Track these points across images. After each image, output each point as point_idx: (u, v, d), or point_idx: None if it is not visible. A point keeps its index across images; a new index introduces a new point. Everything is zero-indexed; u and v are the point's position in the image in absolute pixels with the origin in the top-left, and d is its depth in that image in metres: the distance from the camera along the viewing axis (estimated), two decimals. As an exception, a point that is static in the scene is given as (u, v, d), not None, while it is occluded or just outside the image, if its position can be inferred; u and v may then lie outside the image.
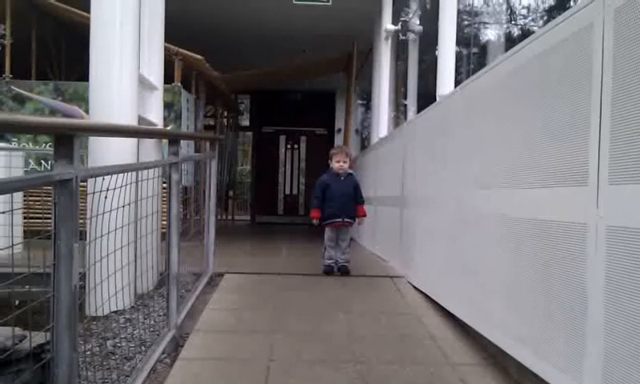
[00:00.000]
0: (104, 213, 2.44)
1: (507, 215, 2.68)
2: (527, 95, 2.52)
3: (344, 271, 5.06)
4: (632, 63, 1.71)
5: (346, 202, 5.13)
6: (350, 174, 5.26)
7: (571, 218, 2.05)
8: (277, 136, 12.99)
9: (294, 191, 13.13)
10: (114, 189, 2.49)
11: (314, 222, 5.13)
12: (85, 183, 2.95)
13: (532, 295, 2.34)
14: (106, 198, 2.46)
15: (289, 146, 13.04)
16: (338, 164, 5.15)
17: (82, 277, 3.49)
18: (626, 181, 1.73)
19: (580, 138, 1.98)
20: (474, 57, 8.15)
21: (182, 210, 5.83)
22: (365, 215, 5.32)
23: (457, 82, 5.08)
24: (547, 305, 2.20)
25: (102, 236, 2.50)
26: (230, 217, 11.77)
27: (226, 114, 11.35)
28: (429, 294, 4.09)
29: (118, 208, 2.55)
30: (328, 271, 5.10)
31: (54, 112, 6.37)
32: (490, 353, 2.95)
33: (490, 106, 3.04)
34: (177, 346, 3.09)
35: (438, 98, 4.87)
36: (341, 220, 5.08)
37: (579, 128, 1.99)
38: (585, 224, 1.94)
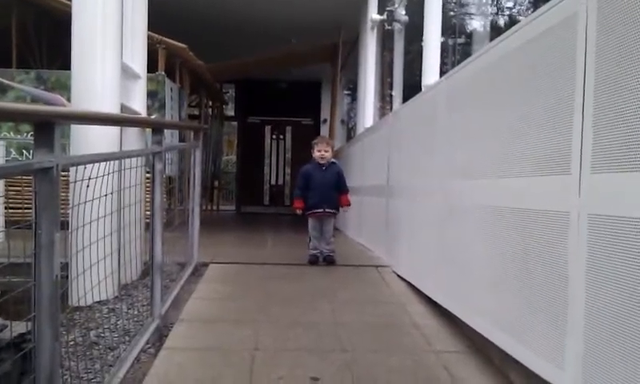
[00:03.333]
0: (86, 202, 2.42)
1: (491, 205, 2.69)
2: (511, 85, 2.53)
3: (329, 261, 5.06)
4: (614, 53, 1.72)
5: (327, 192, 5.11)
6: (333, 163, 5.24)
7: (554, 207, 2.06)
8: (262, 126, 12.95)
9: (280, 181, 13.12)
10: (96, 178, 2.46)
11: (297, 211, 5.16)
12: (67, 172, 2.92)
13: (515, 283, 2.36)
14: (87, 187, 2.43)
15: (274, 137, 13.02)
16: (319, 153, 5.14)
17: (65, 267, 3.46)
18: (608, 169, 1.74)
19: (563, 128, 2.00)
20: (459, 47, 8.17)
21: (166, 200, 5.80)
22: (349, 204, 5.29)
23: (442, 73, 5.09)
24: (530, 292, 2.22)
25: (84, 225, 2.47)
26: (215, 207, 11.70)
27: (210, 103, 11.27)
28: (413, 283, 4.12)
29: (100, 197, 2.53)
30: (313, 261, 5.09)
31: (35, 101, 6.28)
32: (474, 341, 2.98)
33: (475, 96, 3.05)
34: (161, 335, 3.08)
35: (423, 88, 4.88)
36: (322, 210, 5.08)
37: (562, 117, 2.01)
38: (567, 212, 1.95)
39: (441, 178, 3.52)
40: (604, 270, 1.74)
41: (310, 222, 5.16)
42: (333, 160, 5.23)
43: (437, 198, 3.57)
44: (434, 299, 3.56)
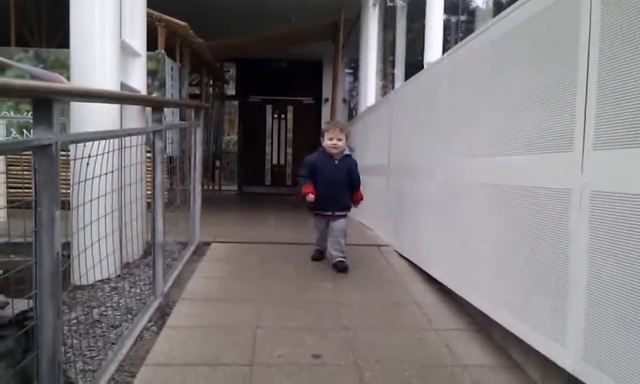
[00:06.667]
0: (86, 180, 2.41)
1: (493, 183, 2.68)
2: (513, 62, 2.50)
3: (340, 268, 4.02)
4: (619, 27, 1.70)
5: (338, 192, 4.16)
6: (347, 155, 4.22)
7: (556, 184, 2.05)
8: (263, 105, 12.87)
9: (282, 161, 13.07)
10: (96, 155, 2.45)
11: (309, 197, 4.07)
12: (68, 151, 2.91)
13: (517, 261, 2.36)
14: (87, 165, 2.42)
15: (275, 116, 12.94)
16: (331, 142, 4.13)
17: (66, 246, 3.47)
18: (611, 146, 1.73)
19: (566, 104, 1.98)
20: (462, 24, 8.09)
21: (167, 179, 5.79)
22: (361, 199, 4.37)
23: (444, 50, 5.03)
24: (532, 270, 2.22)
25: (84, 203, 2.47)
26: (216, 187, 11.69)
27: (211, 82, 11.19)
28: (415, 262, 4.12)
29: (100, 175, 2.52)
30: (316, 257, 4.40)
31: (34, 79, 6.24)
32: (475, 319, 2.99)
33: (477, 74, 3.02)
34: (163, 314, 3.09)
35: (425, 66, 4.83)
36: (330, 213, 4.17)
37: (565, 94, 1.98)
38: (569, 189, 1.94)
39: (443, 156, 3.50)
40: (606, 247, 1.73)
41: (314, 221, 4.35)
42: (347, 151, 4.22)
43: (438, 176, 3.55)
44: (436, 278, 3.57)
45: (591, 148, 1.83)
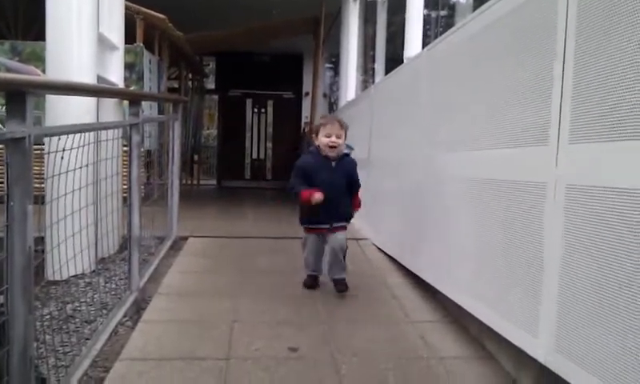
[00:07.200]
0: (60, 174, 2.37)
1: (471, 177, 2.70)
2: (493, 55, 2.51)
3: (340, 288, 3.35)
4: (595, 20, 1.72)
5: (338, 200, 3.34)
6: (346, 155, 3.43)
7: (532, 178, 2.07)
8: (243, 99, 12.79)
9: (262, 156, 13.02)
10: (71, 149, 2.42)
11: (316, 197, 3.19)
12: (42, 145, 2.86)
13: (493, 254, 2.38)
14: (62, 158, 2.38)
15: (255, 110, 12.88)
16: (328, 140, 3.30)
17: (40, 240, 3.41)
18: (585, 139, 1.75)
19: (543, 98, 1.99)
20: (442, 20, 8.11)
21: (145, 173, 5.73)
22: (359, 206, 3.61)
23: (425, 45, 5.04)
24: (507, 263, 2.24)
25: (58, 198, 2.43)
26: (195, 181, 11.59)
27: (190, 76, 11.09)
28: (393, 256, 4.14)
29: (75, 169, 2.48)
30: (310, 284, 3.50)
31: (9, 72, 6.12)
32: (451, 312, 3.01)
33: (457, 68, 3.03)
34: (139, 309, 3.06)
35: (405, 60, 4.84)
36: (329, 226, 3.37)
37: (543, 87, 2.00)
38: (544, 183, 1.96)
39: (421, 150, 3.52)
40: (579, 240, 1.76)
41: (308, 238, 3.47)
42: (346, 150, 3.42)
43: (418, 171, 3.57)
44: (413, 271, 3.59)
45: (566, 141, 1.85)
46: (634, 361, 1.49)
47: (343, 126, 3.39)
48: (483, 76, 2.61)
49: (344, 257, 3.40)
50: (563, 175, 1.86)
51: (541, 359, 1.94)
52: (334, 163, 3.35)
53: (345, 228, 3.44)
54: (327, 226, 3.37)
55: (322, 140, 3.34)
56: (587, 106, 1.74)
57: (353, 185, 3.48)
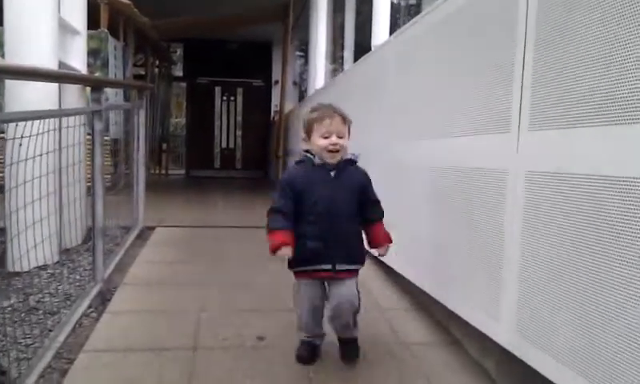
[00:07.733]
0: (19, 161, 2.31)
1: (435, 165, 2.73)
2: (457, 43, 2.53)
3: (350, 355, 2.33)
4: (554, 10, 1.74)
5: (338, 226, 2.22)
6: (351, 161, 2.32)
7: (493, 165, 2.10)
8: (212, 87, 12.65)
9: (231, 145, 12.92)
10: (30, 136, 2.35)
11: (282, 252, 2.17)
12: (3, 133, 2.78)
13: (457, 241, 2.42)
14: (20, 145, 2.32)
15: (225, 98, 12.75)
16: (327, 140, 2.23)
17: (1, 231, 3.33)
18: (544, 126, 1.78)
19: (505, 84, 2.02)
20: (412, 8, 8.13)
21: (110, 162, 5.63)
22: (390, 242, 2.47)
23: (392, 33, 5.05)
24: (470, 249, 2.27)
25: (17, 186, 2.37)
26: (163, 171, 11.44)
27: (157, 63, 10.91)
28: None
29: (35, 156, 2.43)
30: (304, 357, 2.31)
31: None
32: (419, 299, 3.04)
33: (421, 56, 3.05)
34: (104, 300, 3.01)
35: (372, 48, 4.84)
36: (331, 267, 2.22)
37: (505, 74, 2.02)
38: (506, 170, 1.99)
39: (389, 138, 3.54)
40: (538, 226, 1.79)
41: (301, 287, 2.32)
42: (350, 156, 2.32)
43: (385, 159, 3.59)
44: (382, 260, 3.61)
45: (526, 128, 1.87)
46: (589, 341, 1.53)
47: (346, 121, 2.31)
48: (447, 65, 2.62)
49: (355, 322, 2.32)
50: (523, 162, 1.89)
51: (503, 343, 1.98)
52: (333, 173, 2.26)
53: (356, 273, 2.32)
54: (329, 268, 2.22)
55: (317, 142, 2.25)
56: (545, 93, 1.77)
57: (368, 206, 2.36)
